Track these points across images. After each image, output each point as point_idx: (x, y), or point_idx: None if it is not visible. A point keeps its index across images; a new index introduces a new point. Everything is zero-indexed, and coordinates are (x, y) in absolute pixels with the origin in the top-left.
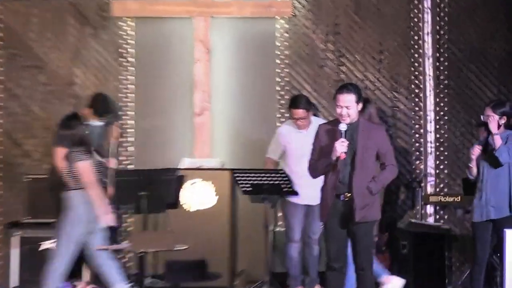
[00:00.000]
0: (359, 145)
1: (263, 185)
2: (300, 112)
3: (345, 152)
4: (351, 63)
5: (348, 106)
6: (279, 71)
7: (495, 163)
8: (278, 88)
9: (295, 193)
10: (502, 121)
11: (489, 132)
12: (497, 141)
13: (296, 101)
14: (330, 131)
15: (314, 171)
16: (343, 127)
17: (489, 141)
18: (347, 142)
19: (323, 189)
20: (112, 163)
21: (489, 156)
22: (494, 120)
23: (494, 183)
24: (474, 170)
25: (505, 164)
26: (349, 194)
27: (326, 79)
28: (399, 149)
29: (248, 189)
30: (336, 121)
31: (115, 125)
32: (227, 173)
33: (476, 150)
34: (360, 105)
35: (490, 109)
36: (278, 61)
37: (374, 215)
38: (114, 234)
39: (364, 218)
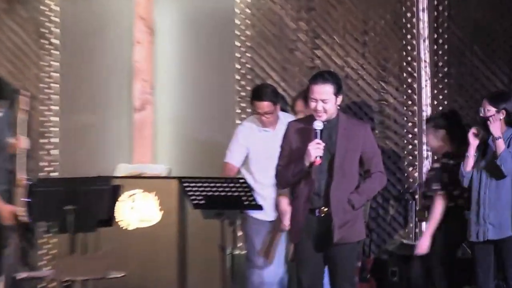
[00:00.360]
0: (339, 147)
1: (219, 197)
2: (265, 105)
3: (320, 157)
4: (329, 46)
5: (325, 100)
6: (239, 55)
7: (497, 173)
8: (237, 76)
9: (259, 207)
10: (501, 116)
11: (488, 132)
12: (500, 146)
13: (260, 92)
14: (302, 131)
15: (282, 180)
16: (318, 125)
17: (489, 143)
18: (323, 144)
19: (293, 202)
20: (23, 143)
21: (489, 164)
22: (496, 120)
23: (495, 195)
24: (470, 164)
25: (510, 174)
26: (326, 209)
27: (298, 66)
28: (388, 153)
29: (200, 202)
30: (310, 118)
31: (22, 94)
32: (174, 182)
33: (473, 134)
34: (340, 98)
35: (488, 102)
36: (238, 43)
37: (356, 234)
38: (30, 257)
39: (344, 238)
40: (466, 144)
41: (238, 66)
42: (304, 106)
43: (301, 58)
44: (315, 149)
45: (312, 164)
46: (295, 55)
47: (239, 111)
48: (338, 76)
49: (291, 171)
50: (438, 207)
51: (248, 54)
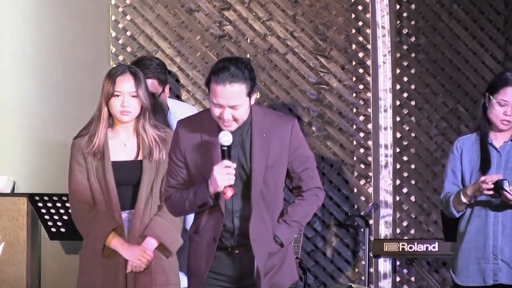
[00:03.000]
0: (256, 165)
1: None
2: (147, 86)
3: (231, 186)
4: (244, 6)
5: (235, 106)
6: (116, 19)
7: None
8: (113, 49)
9: None
10: None
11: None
12: None
13: (140, 66)
14: (202, 144)
15: (176, 209)
16: (226, 140)
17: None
18: (235, 165)
19: (194, 237)
20: None
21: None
22: None
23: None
24: (462, 204)
25: None
26: (243, 248)
27: (200, 34)
28: (330, 160)
29: (60, 230)
30: (208, 117)
31: None
32: (21, 201)
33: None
34: (255, 96)
35: None
36: (113, 0)
37: (287, 277)
38: None
39: (274, 286)
40: None
41: (114, 34)
42: None
43: (205, 22)
44: (224, 176)
45: (218, 195)
46: (196, 18)
47: None
48: (250, 64)
49: (189, 201)
50: None
51: (128, 17)
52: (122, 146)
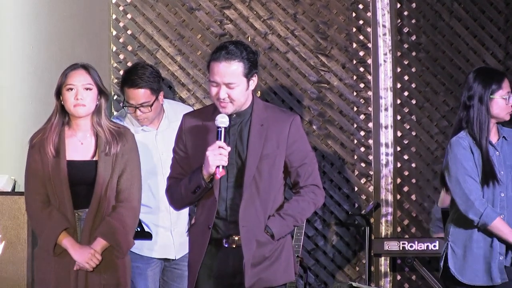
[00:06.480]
0: (251, 152)
1: None
2: (140, 95)
3: (223, 167)
4: (245, 5)
5: (231, 84)
6: (116, 17)
7: None
8: (114, 47)
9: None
10: None
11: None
12: None
13: (132, 75)
14: (202, 128)
15: (174, 199)
16: (222, 121)
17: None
18: (229, 149)
19: (191, 230)
20: None
21: None
22: None
23: None
24: None
25: None
26: (238, 237)
27: (200, 32)
28: (331, 158)
29: None
30: (213, 110)
31: None
32: (23, 199)
33: None
34: (254, 81)
35: None
36: None
37: (280, 275)
38: None
39: (262, 282)
40: None
41: (114, 33)
42: None
43: (206, 21)
44: (216, 156)
45: (212, 177)
46: (197, 17)
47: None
48: (251, 48)
49: (184, 186)
50: None
51: (128, 16)
52: (78, 145)
